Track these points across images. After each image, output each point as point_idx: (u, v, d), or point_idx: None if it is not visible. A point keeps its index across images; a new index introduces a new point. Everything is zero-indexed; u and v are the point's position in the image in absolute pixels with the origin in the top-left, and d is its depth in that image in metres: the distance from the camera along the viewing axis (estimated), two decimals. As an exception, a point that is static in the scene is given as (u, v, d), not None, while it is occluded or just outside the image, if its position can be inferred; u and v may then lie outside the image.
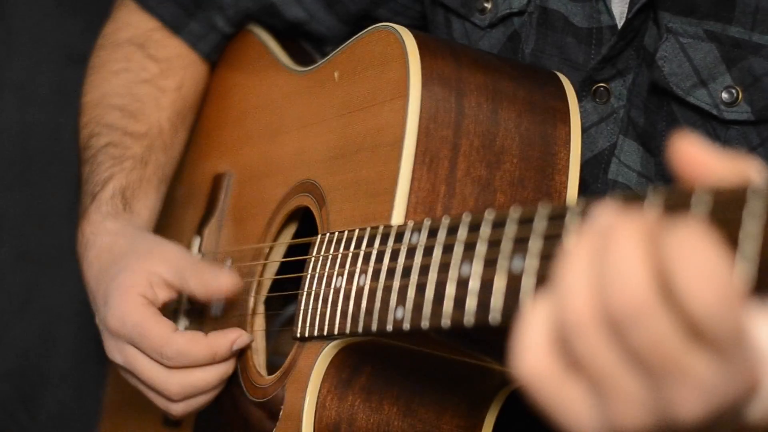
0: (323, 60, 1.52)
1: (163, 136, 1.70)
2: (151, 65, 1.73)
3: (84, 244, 1.58)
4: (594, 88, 1.42)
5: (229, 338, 1.47)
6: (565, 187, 1.32)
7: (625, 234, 0.81)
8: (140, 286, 1.47)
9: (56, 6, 2.29)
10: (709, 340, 0.79)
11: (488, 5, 1.52)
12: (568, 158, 1.33)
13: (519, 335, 0.85)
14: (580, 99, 1.39)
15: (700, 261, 0.78)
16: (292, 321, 1.40)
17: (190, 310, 1.62)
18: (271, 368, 1.48)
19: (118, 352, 1.49)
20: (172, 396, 1.47)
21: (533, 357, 0.85)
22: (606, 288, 0.80)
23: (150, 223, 1.64)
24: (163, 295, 1.49)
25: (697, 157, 0.84)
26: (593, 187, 1.43)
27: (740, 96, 1.30)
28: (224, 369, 1.48)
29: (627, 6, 1.39)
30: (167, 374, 1.46)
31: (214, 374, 1.47)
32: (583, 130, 1.38)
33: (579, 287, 0.82)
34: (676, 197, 0.84)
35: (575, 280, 0.82)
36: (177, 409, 1.50)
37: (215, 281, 1.48)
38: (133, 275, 1.48)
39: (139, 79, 1.72)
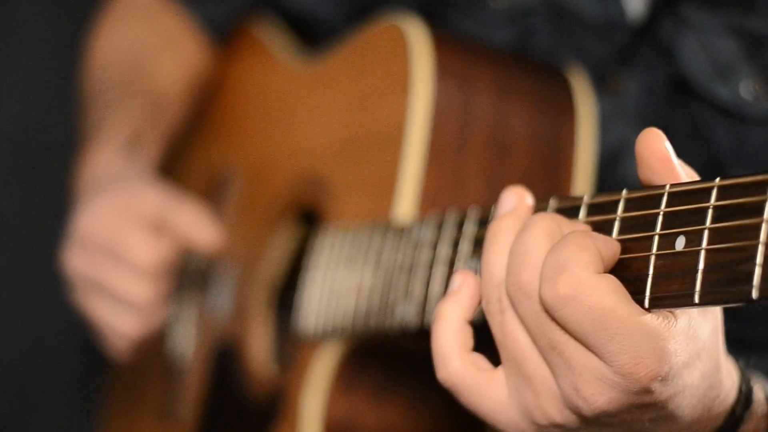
0: (328, 53, 1.51)
1: (172, 96, 1.71)
2: (161, 30, 1.74)
3: (85, 171, 1.58)
4: (606, 83, 1.40)
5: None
6: (575, 184, 1.31)
7: (532, 228, 0.93)
8: (128, 199, 1.46)
9: (58, 4, 2.29)
10: (571, 331, 0.88)
11: (496, 0, 1.51)
12: (578, 154, 1.32)
13: (434, 345, 0.98)
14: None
15: (563, 259, 0.88)
16: (296, 317, 1.39)
17: (193, 302, 1.62)
18: (276, 365, 1.48)
19: (83, 259, 1.46)
20: (142, 305, 1.43)
21: (450, 365, 0.96)
22: (510, 264, 0.93)
23: (153, 167, 1.63)
24: (146, 219, 1.46)
25: (664, 154, 0.94)
26: (604, 181, 1.41)
27: (761, 91, 1.29)
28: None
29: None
30: (140, 280, 1.43)
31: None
32: None
33: (493, 263, 0.96)
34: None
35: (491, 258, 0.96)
36: (136, 325, 1.45)
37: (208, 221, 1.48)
38: (125, 193, 1.47)
39: (150, 39, 1.73)
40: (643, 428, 0.92)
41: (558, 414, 0.90)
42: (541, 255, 0.90)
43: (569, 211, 0.96)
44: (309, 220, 1.50)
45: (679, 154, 1.37)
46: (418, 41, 1.31)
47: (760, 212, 0.80)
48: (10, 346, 2.30)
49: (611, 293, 0.86)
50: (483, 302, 0.96)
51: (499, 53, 1.38)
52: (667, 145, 0.93)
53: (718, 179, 0.86)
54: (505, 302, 0.93)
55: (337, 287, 1.30)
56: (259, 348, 1.50)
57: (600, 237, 0.90)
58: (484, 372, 0.95)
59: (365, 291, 1.24)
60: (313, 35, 1.73)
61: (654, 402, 0.89)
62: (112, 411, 1.85)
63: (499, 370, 0.94)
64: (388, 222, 1.25)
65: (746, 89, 1.30)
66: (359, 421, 1.29)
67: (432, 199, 1.26)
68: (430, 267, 1.14)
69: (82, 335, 2.22)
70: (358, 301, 1.25)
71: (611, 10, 1.40)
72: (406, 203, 1.26)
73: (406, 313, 1.16)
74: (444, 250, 1.12)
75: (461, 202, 1.26)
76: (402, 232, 1.21)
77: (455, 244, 1.11)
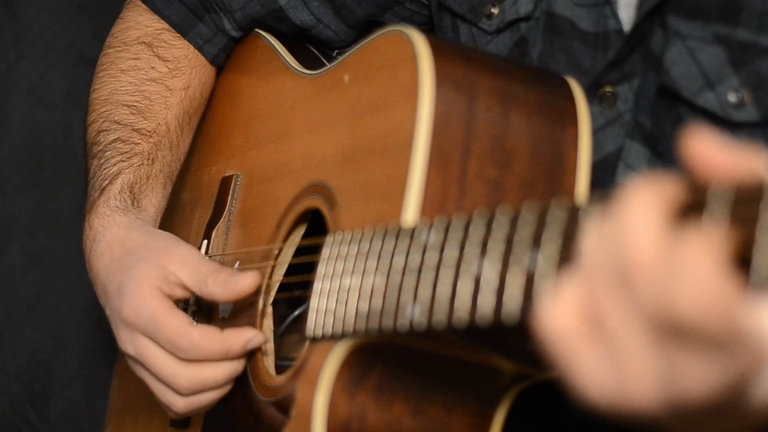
0: (333, 63, 1.53)
1: (170, 135, 1.72)
2: (159, 65, 1.75)
3: (92, 237, 1.58)
4: (600, 92, 1.43)
5: (243, 337, 1.47)
6: (575, 189, 1.33)
7: (644, 196, 0.85)
8: (157, 278, 1.48)
9: (66, 7, 2.29)
10: (695, 339, 0.82)
11: (495, 11, 1.53)
12: (578, 160, 1.33)
13: (552, 295, 0.89)
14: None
15: (697, 273, 0.81)
16: (301, 322, 1.40)
17: (198, 311, 1.62)
18: (281, 368, 1.48)
19: (130, 342, 1.49)
20: (180, 389, 1.47)
21: (560, 313, 0.88)
22: (618, 240, 0.84)
23: (156, 219, 1.65)
24: (179, 294, 1.49)
25: (709, 153, 0.86)
26: (599, 191, 1.43)
27: (748, 98, 1.31)
28: (234, 367, 1.48)
29: (634, 10, 1.39)
30: (178, 366, 1.46)
31: (224, 371, 1.47)
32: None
33: (598, 241, 0.87)
34: (693, 193, 0.85)
35: (597, 236, 0.87)
36: (180, 404, 1.49)
37: (235, 283, 1.48)
38: (151, 268, 1.48)
39: (148, 78, 1.74)
40: (721, 422, 0.89)
41: (647, 404, 0.86)
42: (650, 239, 0.83)
43: None
44: (314, 226, 1.51)
45: (670, 161, 1.39)
46: (422, 49, 1.32)
47: None
48: (23, 346, 2.29)
49: (743, 310, 0.81)
50: (584, 269, 0.88)
51: (499, 60, 1.40)
52: (709, 146, 0.86)
53: None
54: (611, 281, 0.86)
55: (344, 290, 1.31)
56: (264, 352, 1.51)
57: (719, 233, 0.83)
58: (582, 334, 0.88)
59: (372, 294, 1.25)
60: (311, 51, 1.75)
61: (744, 402, 0.86)
62: (119, 416, 1.85)
63: (595, 342, 0.87)
64: (395, 226, 1.26)
65: (732, 96, 1.32)
66: (363, 420, 1.30)
67: (436, 203, 1.27)
68: (438, 269, 1.15)
69: (94, 336, 2.23)
70: (364, 304, 1.26)
71: (603, 20, 1.42)
72: (411, 208, 1.27)
73: (413, 315, 1.17)
74: (451, 252, 1.14)
75: (465, 207, 1.28)
76: (409, 235, 1.22)
77: (462, 246, 1.12)
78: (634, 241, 0.84)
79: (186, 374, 1.46)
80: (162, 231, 1.60)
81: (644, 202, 0.85)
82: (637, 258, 0.84)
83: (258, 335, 1.48)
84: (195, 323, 1.47)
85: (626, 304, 0.85)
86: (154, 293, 1.47)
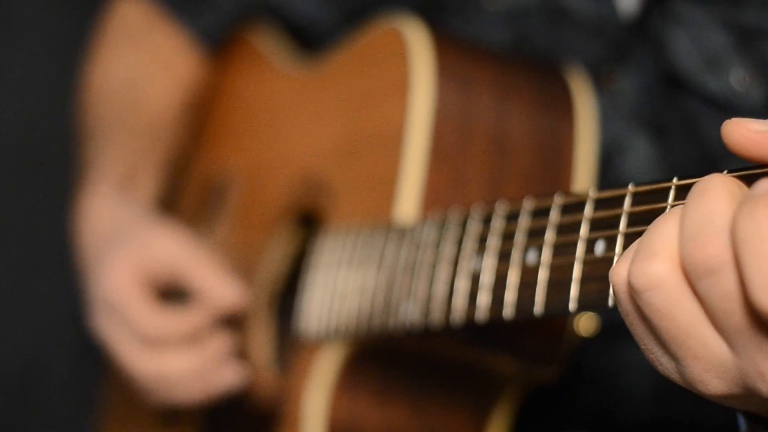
0: (327, 57, 1.51)
1: (166, 126, 1.71)
2: (154, 53, 1.73)
3: (85, 214, 1.56)
4: (601, 80, 1.41)
5: (209, 322, 1.41)
6: (576, 182, 1.31)
7: (714, 190, 0.79)
8: (140, 260, 1.43)
9: (58, 3, 2.29)
10: None
11: (491, 3, 1.51)
12: (579, 152, 1.32)
13: (650, 236, 0.81)
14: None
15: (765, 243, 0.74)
16: (298, 319, 1.39)
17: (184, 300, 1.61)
18: (278, 367, 1.47)
19: (103, 322, 1.45)
20: (141, 374, 1.41)
21: (663, 260, 0.81)
22: (688, 234, 0.79)
23: (150, 204, 1.63)
24: (163, 279, 1.44)
25: (755, 134, 0.82)
26: (601, 181, 1.42)
27: (753, 83, 1.29)
28: (198, 357, 1.41)
29: None
30: (140, 350, 1.41)
31: (186, 359, 1.41)
32: None
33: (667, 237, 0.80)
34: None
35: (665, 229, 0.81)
36: (151, 392, 1.43)
37: (220, 287, 1.42)
38: (136, 250, 1.44)
39: (142, 71, 1.73)
40: None
41: (727, 388, 0.81)
42: (726, 221, 0.78)
43: (575, 207, 0.94)
44: (309, 223, 1.50)
45: (673, 149, 1.38)
46: (417, 42, 1.30)
47: None
48: (10, 347, 2.30)
49: None
50: (634, 274, 0.81)
51: (497, 53, 1.38)
52: (753, 126, 0.82)
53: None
54: (679, 277, 0.81)
55: (340, 288, 1.29)
56: (260, 351, 1.50)
57: None
58: (686, 288, 0.81)
59: (368, 292, 1.24)
60: (309, 40, 1.73)
61: None
62: (111, 415, 1.84)
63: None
64: (390, 222, 1.24)
65: (737, 81, 1.30)
66: (363, 422, 1.29)
67: (433, 199, 1.26)
68: (434, 266, 1.14)
69: (82, 336, 2.23)
70: (360, 302, 1.25)
71: (604, 8, 1.40)
72: (406, 204, 1.25)
73: (410, 312, 1.16)
74: (447, 249, 1.12)
75: (462, 202, 1.26)
76: (404, 232, 1.21)
77: (459, 243, 1.11)
78: (706, 235, 0.78)
79: (145, 358, 1.41)
80: (154, 213, 1.57)
81: (718, 198, 0.79)
82: (707, 259, 0.78)
83: (229, 306, 1.42)
84: (165, 308, 1.42)
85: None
86: (135, 275, 1.43)
